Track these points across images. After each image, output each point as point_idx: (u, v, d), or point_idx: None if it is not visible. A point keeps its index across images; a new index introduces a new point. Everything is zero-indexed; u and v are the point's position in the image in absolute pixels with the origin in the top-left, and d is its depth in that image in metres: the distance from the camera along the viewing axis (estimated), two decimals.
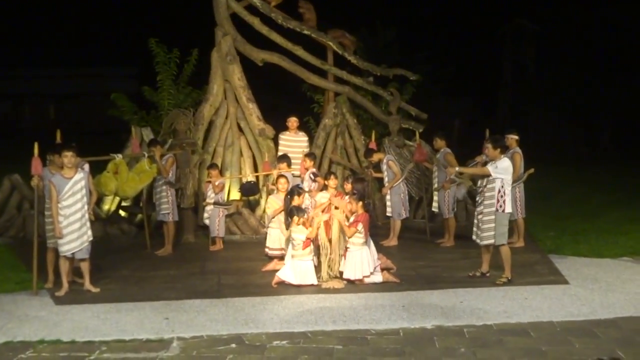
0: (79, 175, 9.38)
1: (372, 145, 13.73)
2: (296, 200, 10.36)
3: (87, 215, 9.43)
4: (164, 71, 14.73)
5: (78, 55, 37.70)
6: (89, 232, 9.44)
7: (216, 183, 12.49)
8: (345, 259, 9.86)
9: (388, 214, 12.77)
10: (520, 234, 12.11)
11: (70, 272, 9.60)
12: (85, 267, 9.52)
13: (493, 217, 9.61)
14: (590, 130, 30.84)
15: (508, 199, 9.65)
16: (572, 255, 11.35)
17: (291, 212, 10.06)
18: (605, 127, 30.68)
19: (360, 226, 9.75)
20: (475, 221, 9.93)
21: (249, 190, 12.88)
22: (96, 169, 11.04)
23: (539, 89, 31.62)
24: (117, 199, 13.33)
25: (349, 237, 9.77)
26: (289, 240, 10.18)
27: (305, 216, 10.01)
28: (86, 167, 10.05)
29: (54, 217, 9.30)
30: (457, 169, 10.36)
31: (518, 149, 11.99)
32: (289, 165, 12.41)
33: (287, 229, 10.27)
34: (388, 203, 12.71)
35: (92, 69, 37.95)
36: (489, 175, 9.58)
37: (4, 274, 10.31)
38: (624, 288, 9.38)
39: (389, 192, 12.67)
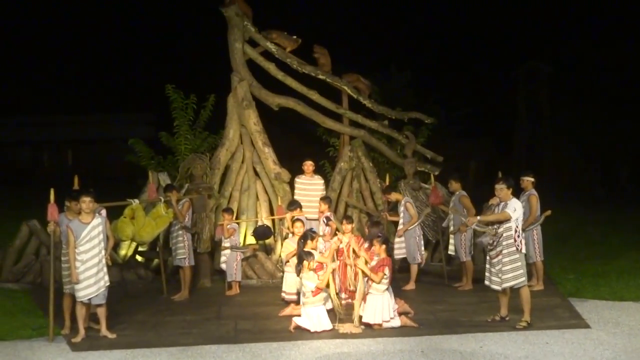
0: (97, 220, 9.42)
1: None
2: (309, 245, 10.30)
3: (104, 261, 9.44)
4: (181, 117, 14.87)
5: (95, 101, 38.16)
6: (106, 278, 9.44)
7: (227, 227, 12.49)
8: (364, 303, 9.77)
9: (401, 256, 12.67)
10: (539, 277, 11.98)
11: (87, 317, 9.58)
12: (101, 312, 9.50)
13: (514, 256, 9.52)
14: (607, 170, 30.63)
15: (523, 239, 9.61)
16: (593, 299, 11.19)
17: (300, 257, 10.00)
18: (622, 166, 30.45)
19: (387, 270, 9.67)
20: (488, 266, 9.82)
21: (262, 234, 12.87)
22: (113, 214, 11.09)
23: (554, 129, 31.57)
24: (134, 244, 13.35)
25: (378, 283, 9.65)
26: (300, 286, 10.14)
27: (314, 260, 9.94)
28: (103, 212, 10.11)
29: (70, 262, 9.31)
30: (478, 218, 10.01)
31: (534, 191, 11.94)
32: (300, 209, 12.40)
33: (297, 274, 10.19)
34: (402, 245, 12.64)
35: (109, 115, 38.35)
36: (509, 219, 9.51)
37: (21, 320, 10.31)
38: None
39: (403, 235, 12.61)
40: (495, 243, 9.66)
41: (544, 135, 32.04)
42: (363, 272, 9.75)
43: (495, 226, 9.64)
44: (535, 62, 33.04)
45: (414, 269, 12.56)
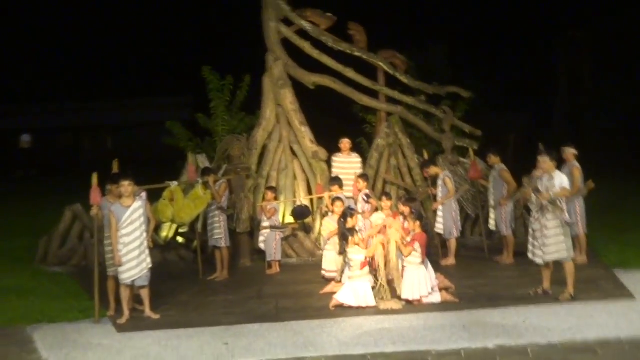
0: (137, 203, 9.52)
1: None
2: (349, 223, 10.29)
3: (145, 243, 9.55)
4: (218, 98, 14.94)
5: (133, 86, 38.56)
6: (148, 260, 9.55)
7: (268, 207, 12.55)
8: (402, 279, 9.76)
9: (438, 231, 12.63)
10: (583, 249, 11.82)
11: (131, 299, 9.71)
12: (145, 294, 9.64)
13: (559, 230, 9.40)
14: None
15: (566, 213, 9.48)
16: (637, 269, 11.02)
17: (344, 235, 10.00)
18: None
19: (417, 245, 9.65)
20: (531, 239, 9.72)
21: (301, 213, 12.89)
22: (153, 197, 11.21)
23: (596, 99, 31.00)
24: (175, 225, 13.50)
25: (405, 256, 9.67)
26: (344, 262, 10.15)
27: (360, 236, 9.96)
28: (144, 195, 10.21)
29: (113, 245, 9.44)
30: (551, 194, 9.50)
31: (576, 163, 11.76)
32: (341, 186, 12.37)
33: (340, 252, 10.19)
34: (440, 220, 12.59)
35: (147, 99, 38.73)
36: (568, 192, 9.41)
37: (68, 302, 10.50)
38: None
39: (440, 209, 12.54)
40: (538, 216, 9.54)
41: (585, 107, 31.48)
42: (397, 245, 9.71)
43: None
44: (576, 31, 32.42)
45: (453, 244, 12.49)
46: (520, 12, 33.03)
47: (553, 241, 9.45)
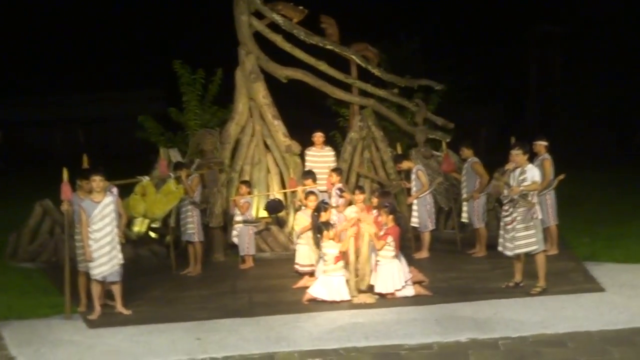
0: (108, 198, 9.45)
1: None
2: (323, 217, 10.31)
3: (117, 239, 9.48)
4: (189, 92, 14.83)
5: (104, 79, 38.16)
6: (120, 255, 9.48)
7: (241, 202, 12.49)
8: (376, 272, 9.78)
9: (414, 225, 12.68)
10: (554, 242, 11.93)
11: (102, 295, 9.63)
12: (116, 289, 9.56)
13: (529, 223, 9.47)
14: (621, 131, 30.35)
15: (538, 206, 9.54)
16: (608, 262, 11.16)
17: (319, 228, 10.02)
18: (637, 127, 30.10)
19: (390, 239, 9.67)
20: (502, 232, 9.80)
21: (274, 207, 12.84)
22: (124, 192, 11.11)
23: (567, 92, 31.26)
24: (148, 220, 13.39)
25: (378, 250, 9.68)
26: (319, 256, 10.14)
27: (334, 230, 9.96)
28: (114, 190, 10.11)
29: (84, 241, 9.36)
30: (521, 188, 9.60)
31: (547, 156, 11.86)
32: (315, 180, 12.36)
33: (316, 246, 10.22)
34: (415, 214, 12.63)
35: (118, 92, 38.38)
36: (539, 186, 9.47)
37: (37, 298, 10.39)
38: None
39: (415, 203, 12.58)
40: (509, 209, 9.61)
41: (557, 100, 31.74)
42: (370, 238, 9.72)
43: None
44: (547, 25, 32.63)
45: (427, 237, 12.54)
46: (492, 5, 33.19)
47: (523, 234, 9.53)
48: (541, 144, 11.94)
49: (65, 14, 38.05)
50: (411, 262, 10.84)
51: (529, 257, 9.68)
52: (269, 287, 10.78)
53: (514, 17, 32.11)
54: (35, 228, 13.43)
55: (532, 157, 10.97)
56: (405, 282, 9.74)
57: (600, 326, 8.04)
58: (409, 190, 13.07)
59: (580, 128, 30.55)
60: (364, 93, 14.77)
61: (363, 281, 9.77)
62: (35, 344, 8.35)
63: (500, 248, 9.86)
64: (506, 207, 9.72)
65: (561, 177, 11.92)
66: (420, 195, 12.55)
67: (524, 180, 9.50)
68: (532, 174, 9.52)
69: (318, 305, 9.52)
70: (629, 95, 29.50)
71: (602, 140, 30.07)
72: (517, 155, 9.67)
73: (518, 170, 9.64)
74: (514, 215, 9.58)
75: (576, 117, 30.66)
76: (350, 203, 11.57)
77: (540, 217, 9.63)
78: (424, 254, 12.41)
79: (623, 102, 29.67)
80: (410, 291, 9.72)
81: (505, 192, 9.69)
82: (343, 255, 9.83)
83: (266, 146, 14.24)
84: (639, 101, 29.47)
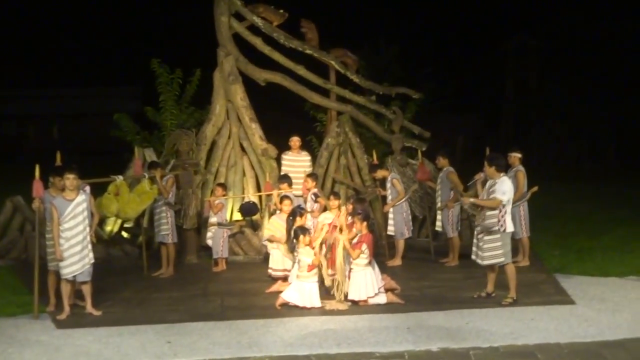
0: (81, 197, 9.35)
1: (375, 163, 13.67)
2: (298, 222, 10.29)
3: (88, 238, 9.39)
4: (167, 91, 14.72)
5: (81, 75, 37.83)
6: (91, 255, 9.39)
7: (215, 203, 12.43)
8: (349, 280, 9.76)
9: (389, 232, 12.70)
10: (525, 253, 12.01)
11: (72, 295, 9.53)
12: (86, 289, 9.45)
13: (495, 236, 9.53)
14: (594, 145, 30.68)
15: (508, 218, 9.57)
16: (578, 275, 11.24)
17: (296, 233, 9.99)
18: (610, 142, 30.46)
19: (364, 247, 9.66)
20: (475, 241, 9.86)
21: (249, 210, 12.78)
22: (98, 191, 11.00)
23: (542, 104, 31.57)
24: (120, 220, 13.27)
25: (354, 259, 9.66)
26: (294, 261, 10.12)
27: (309, 236, 9.95)
28: (87, 189, 10.01)
29: (55, 239, 9.24)
30: (471, 200, 9.98)
31: (521, 167, 11.94)
32: (290, 185, 12.33)
33: (291, 251, 10.19)
34: (390, 222, 12.65)
35: (95, 89, 38.06)
36: (499, 204, 9.46)
37: (5, 297, 10.25)
38: (632, 308, 9.28)
39: (391, 211, 12.60)
40: (480, 220, 9.67)
41: (531, 111, 32.03)
42: (344, 247, 9.71)
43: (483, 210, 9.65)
44: (524, 36, 32.97)
45: (401, 245, 12.56)
46: (470, 15, 33.48)
47: (489, 246, 9.58)
48: (515, 156, 12.02)
49: (44, 9, 37.69)
50: (384, 269, 10.85)
51: (501, 267, 9.72)
52: (242, 290, 10.72)
53: (492, 27, 32.43)
54: (5, 224, 13.27)
55: (506, 168, 11.02)
56: (378, 289, 9.74)
57: (570, 338, 8.10)
58: (384, 197, 13.08)
59: (555, 140, 30.89)
60: (342, 99, 14.78)
61: (338, 291, 9.74)
62: (2, 344, 8.23)
63: (473, 257, 9.91)
64: (477, 217, 9.78)
65: (534, 189, 12.00)
66: (397, 203, 12.57)
67: (493, 192, 9.55)
68: (501, 188, 9.51)
69: (290, 310, 9.49)
70: (601, 110, 29.87)
71: (576, 153, 30.38)
72: (487, 168, 9.73)
73: (490, 182, 9.69)
74: (479, 228, 9.68)
75: (550, 129, 30.99)
76: (325, 209, 11.56)
77: (509, 229, 9.65)
78: (397, 261, 12.43)
79: (596, 116, 30.03)
80: (382, 299, 9.72)
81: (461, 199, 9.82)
82: (317, 265, 9.81)
83: (242, 149, 14.21)
84: (611, 117, 29.86)
